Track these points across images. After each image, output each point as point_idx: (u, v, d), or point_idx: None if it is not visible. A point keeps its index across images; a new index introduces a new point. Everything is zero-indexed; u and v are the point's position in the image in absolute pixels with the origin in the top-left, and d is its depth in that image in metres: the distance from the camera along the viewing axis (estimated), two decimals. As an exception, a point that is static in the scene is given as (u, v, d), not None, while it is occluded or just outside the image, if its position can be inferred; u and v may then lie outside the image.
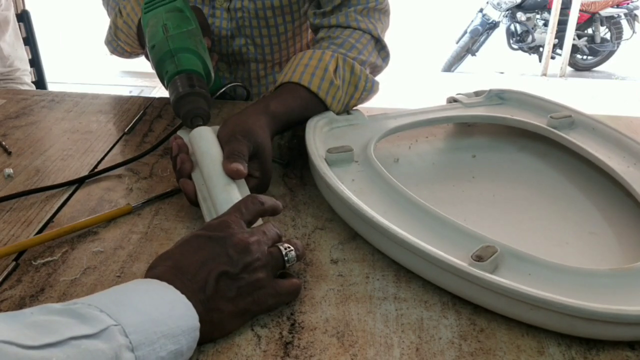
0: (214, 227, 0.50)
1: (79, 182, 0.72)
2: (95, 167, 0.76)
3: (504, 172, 0.74)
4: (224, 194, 0.57)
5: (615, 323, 0.46)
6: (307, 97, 0.76)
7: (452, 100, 0.85)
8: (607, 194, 0.68)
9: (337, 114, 0.78)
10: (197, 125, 0.67)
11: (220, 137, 0.65)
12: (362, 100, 0.81)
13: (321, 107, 0.77)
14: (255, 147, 0.64)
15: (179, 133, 0.68)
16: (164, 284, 0.44)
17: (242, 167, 0.60)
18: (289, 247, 0.52)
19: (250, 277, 0.48)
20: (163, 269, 0.46)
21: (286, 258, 0.52)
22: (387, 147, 0.78)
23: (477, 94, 0.86)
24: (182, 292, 0.44)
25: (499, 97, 0.85)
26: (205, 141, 0.62)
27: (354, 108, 0.81)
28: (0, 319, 0.38)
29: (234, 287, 0.47)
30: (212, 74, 0.77)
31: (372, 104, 0.86)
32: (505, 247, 0.52)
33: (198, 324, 0.44)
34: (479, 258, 0.50)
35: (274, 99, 0.74)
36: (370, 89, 0.81)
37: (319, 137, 0.72)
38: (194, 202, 0.62)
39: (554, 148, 0.76)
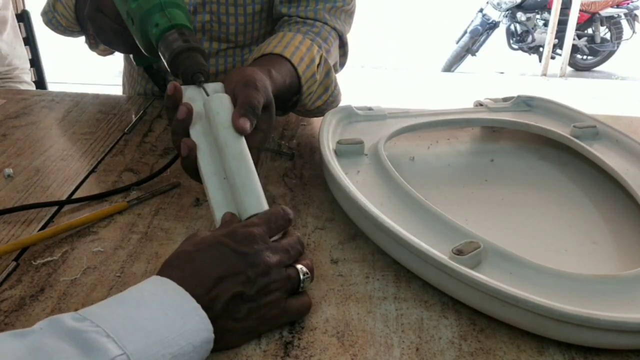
0: (240, 239, 0.48)
1: (61, 205, 0.67)
2: (95, 166, 0.76)
3: (518, 178, 0.73)
4: (251, 197, 0.54)
5: (588, 327, 0.45)
6: (293, 76, 0.76)
7: (479, 104, 0.85)
8: (619, 206, 0.66)
9: (301, 110, 0.80)
10: (199, 82, 0.63)
11: (234, 80, 0.63)
12: (326, 104, 0.83)
13: (293, 91, 0.77)
14: (267, 100, 0.62)
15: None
16: (180, 289, 0.43)
17: (249, 124, 0.58)
18: (307, 274, 0.50)
19: (264, 300, 0.47)
20: (179, 274, 0.45)
21: (302, 285, 0.50)
22: (405, 146, 0.78)
23: (505, 99, 0.86)
24: None
25: (527, 103, 0.85)
26: (227, 112, 0.58)
27: (375, 105, 0.81)
28: (8, 339, 0.37)
29: (245, 308, 0.46)
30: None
31: (378, 103, 0.85)
32: (490, 244, 0.52)
33: (212, 336, 0.43)
34: (459, 252, 0.50)
35: (272, 65, 0.72)
36: (335, 96, 0.84)
37: (334, 129, 0.73)
38: (193, 169, 0.58)
39: (576, 158, 0.74)
